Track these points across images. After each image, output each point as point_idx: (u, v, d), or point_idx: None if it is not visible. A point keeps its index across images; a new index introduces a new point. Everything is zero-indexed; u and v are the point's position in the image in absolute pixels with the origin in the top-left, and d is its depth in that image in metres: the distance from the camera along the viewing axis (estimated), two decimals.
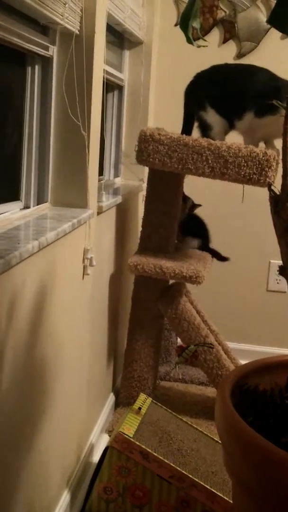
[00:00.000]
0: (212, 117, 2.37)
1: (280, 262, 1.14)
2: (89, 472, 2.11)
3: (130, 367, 2.54)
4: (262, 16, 3.04)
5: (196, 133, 2.44)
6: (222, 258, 2.75)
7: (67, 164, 1.91)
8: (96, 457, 2.19)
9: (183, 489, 1.87)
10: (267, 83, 2.28)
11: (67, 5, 1.69)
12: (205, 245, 2.73)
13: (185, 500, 1.88)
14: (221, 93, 2.36)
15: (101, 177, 2.15)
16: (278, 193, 1.10)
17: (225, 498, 1.84)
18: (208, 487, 1.86)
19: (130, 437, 1.90)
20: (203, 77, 2.42)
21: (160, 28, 3.10)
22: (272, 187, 1.12)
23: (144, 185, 2.80)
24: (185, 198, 2.69)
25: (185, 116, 2.47)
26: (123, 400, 2.56)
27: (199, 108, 2.39)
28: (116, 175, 2.97)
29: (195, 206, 2.74)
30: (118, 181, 2.96)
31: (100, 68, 1.94)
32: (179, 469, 1.87)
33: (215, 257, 2.73)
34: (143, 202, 2.54)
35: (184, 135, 2.28)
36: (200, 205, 2.74)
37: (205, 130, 2.38)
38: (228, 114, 2.35)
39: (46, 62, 1.84)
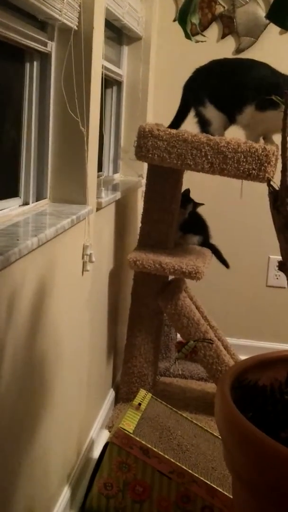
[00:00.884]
0: (211, 112, 2.36)
1: (280, 258, 1.14)
2: (89, 468, 2.11)
3: (129, 363, 2.54)
4: (261, 11, 3.03)
5: (194, 128, 2.43)
6: (223, 261, 2.75)
7: (66, 160, 1.90)
8: (96, 453, 2.19)
9: (183, 485, 1.88)
10: (268, 77, 2.27)
11: (65, 1, 1.68)
12: (205, 242, 2.73)
13: (185, 496, 1.89)
14: (220, 88, 2.35)
15: (100, 173, 2.15)
16: (277, 188, 1.10)
17: (225, 493, 1.84)
18: (208, 483, 1.86)
19: (130, 433, 1.90)
20: (202, 72, 2.42)
21: (158, 23, 3.09)
22: (271, 183, 1.12)
23: (143, 181, 2.80)
24: (186, 203, 2.67)
25: (179, 109, 2.46)
26: (123, 395, 2.56)
27: (198, 103, 2.38)
28: (115, 171, 2.96)
29: (197, 205, 2.73)
30: (117, 177, 2.96)
31: (98, 63, 1.94)
32: (179, 464, 1.88)
33: (216, 256, 2.73)
34: (142, 198, 2.54)
35: (183, 130, 2.28)
36: (202, 204, 2.74)
37: (204, 125, 2.38)
38: (228, 108, 2.34)
39: (44, 58, 1.84)
